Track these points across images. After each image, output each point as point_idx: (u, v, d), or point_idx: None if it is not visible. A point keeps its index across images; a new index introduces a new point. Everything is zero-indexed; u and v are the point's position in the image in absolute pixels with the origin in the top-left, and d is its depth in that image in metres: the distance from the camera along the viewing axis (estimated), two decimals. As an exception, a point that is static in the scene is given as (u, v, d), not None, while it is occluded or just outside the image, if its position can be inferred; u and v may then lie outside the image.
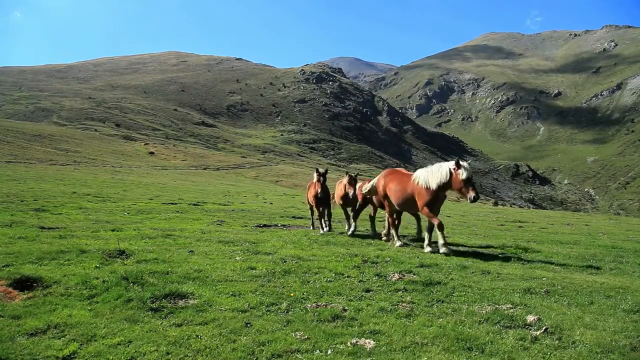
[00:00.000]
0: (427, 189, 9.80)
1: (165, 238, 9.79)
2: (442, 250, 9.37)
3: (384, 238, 11.62)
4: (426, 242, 9.88)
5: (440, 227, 9.58)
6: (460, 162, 9.37)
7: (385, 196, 11.08)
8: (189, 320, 4.91)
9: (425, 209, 9.84)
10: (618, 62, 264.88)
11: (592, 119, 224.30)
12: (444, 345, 4.34)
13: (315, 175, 12.67)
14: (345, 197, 12.47)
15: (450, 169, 9.50)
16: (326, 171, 12.95)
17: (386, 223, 11.75)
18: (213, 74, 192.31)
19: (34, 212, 13.32)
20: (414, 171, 10.85)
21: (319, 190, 12.30)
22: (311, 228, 13.56)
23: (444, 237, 9.52)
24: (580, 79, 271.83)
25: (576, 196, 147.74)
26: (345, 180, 12.51)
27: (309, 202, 13.79)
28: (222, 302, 5.45)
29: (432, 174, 9.81)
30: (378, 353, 4.22)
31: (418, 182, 10.00)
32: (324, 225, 12.79)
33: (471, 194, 9.11)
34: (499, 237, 13.62)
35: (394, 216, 11.14)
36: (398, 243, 10.68)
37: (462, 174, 9.24)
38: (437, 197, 9.84)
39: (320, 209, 12.67)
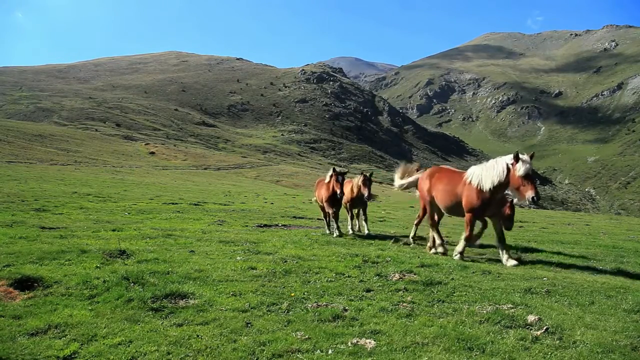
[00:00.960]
0: (480, 190, 8.42)
1: (165, 238, 9.79)
2: (509, 263, 8.21)
3: (431, 251, 9.80)
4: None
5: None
6: (520, 155, 8.01)
7: (431, 199, 9.77)
8: (190, 320, 4.91)
9: (470, 215, 8.61)
10: (619, 62, 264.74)
11: (593, 118, 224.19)
12: (444, 345, 4.34)
13: (329, 174, 11.96)
14: (358, 198, 12.03)
15: (507, 165, 8.11)
16: (346, 173, 12.02)
17: (431, 233, 10.09)
18: (214, 74, 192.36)
19: (34, 212, 13.33)
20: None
21: (338, 192, 11.38)
22: (327, 230, 12.75)
23: (463, 247, 8.71)
24: (581, 79, 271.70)
25: (577, 196, 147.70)
26: (357, 180, 11.95)
27: (319, 203, 13.07)
28: (222, 302, 5.45)
29: (486, 171, 8.40)
30: (379, 353, 4.21)
31: (470, 182, 8.67)
32: (336, 227, 12.04)
33: (529, 193, 7.68)
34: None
35: (436, 219, 9.99)
36: (441, 249, 9.48)
37: (520, 169, 7.86)
38: (489, 200, 8.41)
39: (333, 209, 11.96)
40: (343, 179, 11.54)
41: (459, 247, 8.84)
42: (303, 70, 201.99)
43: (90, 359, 4.09)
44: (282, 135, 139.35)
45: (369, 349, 4.30)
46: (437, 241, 9.68)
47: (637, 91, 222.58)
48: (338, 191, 11.38)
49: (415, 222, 11.36)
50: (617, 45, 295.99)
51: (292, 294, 5.81)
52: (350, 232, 12.76)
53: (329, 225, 12.92)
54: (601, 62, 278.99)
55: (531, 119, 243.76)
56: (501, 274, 7.23)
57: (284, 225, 14.14)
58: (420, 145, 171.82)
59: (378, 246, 10.19)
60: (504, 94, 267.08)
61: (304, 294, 5.87)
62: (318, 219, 17.06)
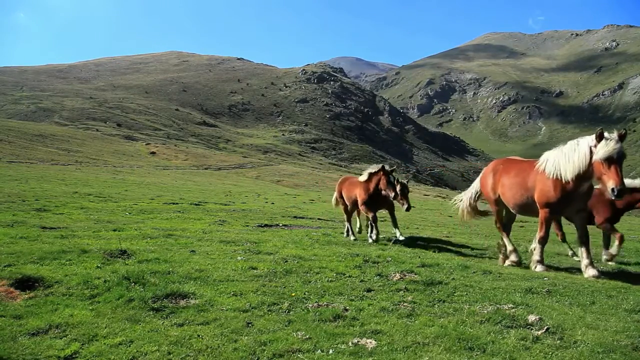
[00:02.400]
0: (556, 180, 6.90)
1: (166, 238, 9.79)
2: (589, 273, 6.97)
3: (506, 262, 8.38)
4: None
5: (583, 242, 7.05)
6: (605, 134, 6.51)
7: (497, 198, 8.32)
8: (191, 320, 4.91)
9: (545, 212, 7.10)
10: (620, 62, 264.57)
11: (594, 118, 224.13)
12: (445, 345, 4.34)
13: (370, 172, 10.65)
14: (381, 198, 10.66)
15: (590, 147, 6.59)
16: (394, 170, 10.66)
17: (501, 240, 8.68)
18: (214, 74, 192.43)
19: (35, 212, 13.34)
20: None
21: (392, 194, 10.04)
22: (349, 236, 11.64)
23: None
24: (582, 79, 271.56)
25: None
26: (378, 178, 10.52)
27: (350, 204, 11.72)
28: (223, 301, 5.45)
29: (564, 157, 6.84)
30: (379, 353, 4.21)
31: (544, 170, 7.12)
32: (376, 232, 10.94)
33: (610, 183, 6.18)
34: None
35: (503, 222, 8.59)
36: (514, 258, 8.18)
37: (599, 151, 6.40)
38: (570, 193, 6.88)
39: (373, 213, 10.79)
40: (394, 179, 10.24)
41: (536, 255, 7.41)
42: (304, 70, 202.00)
43: (91, 358, 4.09)
44: (283, 135, 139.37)
45: (369, 348, 4.30)
46: (509, 248, 8.39)
47: (637, 91, 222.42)
48: (391, 194, 9.95)
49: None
50: (618, 45, 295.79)
51: (293, 294, 5.81)
52: (352, 237, 11.79)
53: (351, 231, 11.80)
54: (602, 61, 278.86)
55: (532, 119, 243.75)
56: (502, 274, 7.23)
57: (285, 225, 14.14)
58: (420, 145, 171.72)
59: (378, 246, 10.18)
60: (505, 93, 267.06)
61: (304, 293, 5.87)
62: (319, 219, 17.06)
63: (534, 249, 7.64)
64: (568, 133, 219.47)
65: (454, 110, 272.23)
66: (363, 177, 10.86)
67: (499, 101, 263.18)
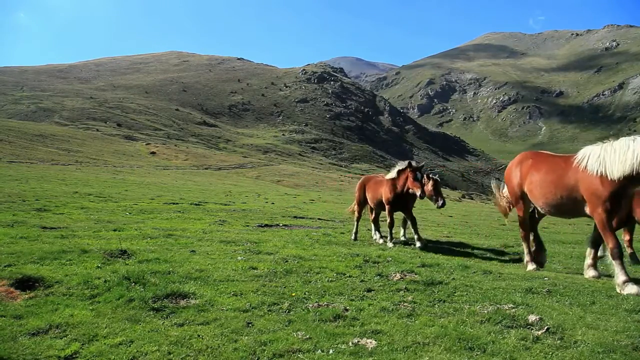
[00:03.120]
0: (604, 178, 6.24)
1: (166, 238, 9.79)
2: (627, 290, 6.00)
3: (529, 267, 7.87)
4: (589, 261, 6.82)
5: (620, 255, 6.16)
6: None
7: (522, 195, 7.70)
8: (191, 320, 4.91)
9: (601, 213, 6.30)
10: (620, 62, 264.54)
11: (594, 118, 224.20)
12: (445, 345, 4.34)
13: (398, 169, 10.06)
14: (409, 197, 10.17)
15: None
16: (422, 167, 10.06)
17: (524, 244, 8.08)
18: (214, 74, 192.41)
19: (35, 212, 13.34)
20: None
21: (418, 192, 9.48)
22: (377, 238, 11.21)
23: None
24: (582, 79, 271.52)
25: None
26: (406, 176, 9.89)
27: (371, 205, 11.29)
28: (223, 301, 5.46)
29: (613, 154, 6.26)
30: (379, 353, 4.21)
31: (586, 168, 6.54)
32: (404, 233, 10.71)
33: None
34: (500, 236, 13.63)
35: (528, 223, 7.95)
36: (531, 267, 7.73)
37: None
38: (620, 194, 6.27)
39: (393, 215, 10.38)
40: (422, 177, 9.72)
41: (621, 275, 6.17)
42: (304, 70, 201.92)
43: (91, 358, 4.09)
44: (283, 135, 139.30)
45: (369, 348, 4.30)
46: (531, 249, 7.93)
47: (638, 91, 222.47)
48: (417, 192, 9.40)
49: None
50: (618, 45, 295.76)
51: (293, 294, 5.81)
52: (380, 240, 11.20)
53: (379, 232, 11.40)
54: (602, 61, 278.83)
55: (532, 119, 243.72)
56: (502, 274, 7.23)
57: (285, 225, 14.13)
58: (421, 145, 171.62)
59: (379, 246, 10.18)
60: (505, 93, 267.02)
61: (305, 293, 5.87)
62: (319, 219, 17.05)
63: (611, 265, 6.38)
64: (568, 133, 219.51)
65: (454, 110, 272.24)
66: (390, 175, 10.36)
67: (499, 101, 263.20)
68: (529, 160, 7.64)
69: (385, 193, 10.37)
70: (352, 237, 11.34)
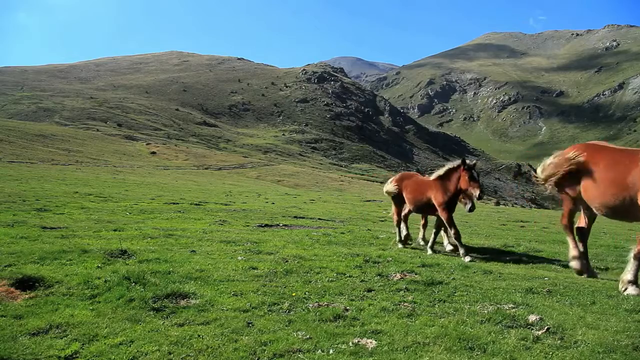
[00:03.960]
0: None
1: (167, 238, 9.79)
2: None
3: (572, 264, 7.40)
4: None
5: None
6: None
7: (577, 194, 6.89)
8: (191, 320, 4.92)
9: None
10: (620, 62, 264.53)
11: (595, 118, 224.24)
12: (445, 345, 4.34)
13: (450, 168, 9.18)
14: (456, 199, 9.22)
15: None
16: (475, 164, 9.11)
17: (569, 241, 7.49)
18: (215, 74, 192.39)
19: (36, 212, 13.34)
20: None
21: (476, 193, 8.52)
22: (424, 243, 10.35)
23: None
24: (583, 79, 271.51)
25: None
26: (459, 175, 8.94)
27: (415, 207, 10.10)
28: (223, 301, 5.46)
29: None
30: (380, 353, 4.21)
31: None
32: (450, 242, 9.76)
33: None
34: (500, 237, 13.61)
35: None
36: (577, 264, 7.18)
37: None
38: None
39: (449, 215, 9.22)
40: (478, 175, 8.79)
41: (630, 270, 5.97)
42: (304, 70, 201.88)
43: (92, 358, 4.09)
44: (283, 135, 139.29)
45: (370, 348, 4.29)
46: (577, 251, 7.31)
47: (638, 91, 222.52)
48: (476, 192, 8.49)
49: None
50: (618, 44, 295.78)
51: (294, 294, 5.81)
52: (422, 243, 10.48)
53: (429, 242, 10.06)
54: (603, 61, 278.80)
55: (532, 119, 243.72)
56: (502, 273, 7.23)
57: (285, 225, 14.13)
58: (421, 145, 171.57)
59: (379, 246, 10.18)
60: (505, 93, 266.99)
61: (305, 293, 5.87)
62: (319, 219, 17.04)
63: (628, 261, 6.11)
64: (569, 133, 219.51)
65: (454, 110, 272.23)
66: (439, 174, 9.39)
67: (500, 101, 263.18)
68: (590, 152, 6.80)
69: (437, 195, 9.29)
70: (399, 244, 10.36)
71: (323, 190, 53.10)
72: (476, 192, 8.50)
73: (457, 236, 9.07)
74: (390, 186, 10.72)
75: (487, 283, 6.53)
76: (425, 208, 9.89)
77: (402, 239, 10.52)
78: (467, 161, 8.89)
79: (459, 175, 8.91)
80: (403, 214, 10.76)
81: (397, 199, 10.57)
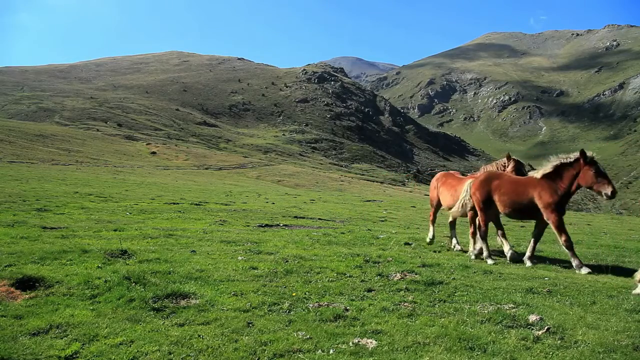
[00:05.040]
0: None
1: (167, 238, 9.79)
2: None
3: None
4: None
5: None
6: None
7: None
8: (191, 320, 4.92)
9: None
10: (620, 62, 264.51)
11: (595, 118, 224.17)
12: (446, 345, 4.34)
13: (562, 161, 8.01)
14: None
15: None
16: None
17: None
18: (215, 74, 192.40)
19: (36, 212, 13.34)
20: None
21: (608, 191, 7.43)
22: (476, 255, 9.20)
23: None
24: (583, 78, 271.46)
25: (578, 195, 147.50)
26: (576, 171, 7.78)
27: (511, 210, 8.67)
28: (224, 301, 5.46)
29: None
30: (380, 353, 4.21)
31: None
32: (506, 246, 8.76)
33: None
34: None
35: None
36: None
37: None
38: None
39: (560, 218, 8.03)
40: (603, 169, 7.60)
41: None
42: (304, 70, 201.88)
43: (92, 358, 4.10)
44: (284, 135, 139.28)
45: (370, 348, 4.30)
46: None
47: (638, 90, 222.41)
48: (607, 190, 7.38)
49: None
50: (618, 44, 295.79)
51: (294, 294, 5.81)
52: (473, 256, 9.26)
53: (484, 251, 8.91)
54: (603, 61, 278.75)
55: (533, 119, 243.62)
56: (502, 273, 7.23)
57: (286, 225, 14.13)
58: (421, 145, 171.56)
59: (379, 246, 10.18)
60: (506, 93, 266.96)
61: (305, 293, 5.87)
62: (319, 219, 17.04)
63: None
64: (569, 133, 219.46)
65: (454, 110, 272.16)
66: (544, 172, 8.15)
67: (500, 101, 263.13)
68: None
69: (544, 195, 8.00)
70: (489, 261, 8.72)
71: (323, 190, 53.10)
72: (608, 190, 7.39)
73: (569, 244, 7.90)
74: (476, 191, 8.97)
75: (487, 283, 6.53)
76: (525, 211, 8.50)
77: (510, 254, 8.80)
78: (588, 153, 7.66)
79: (575, 171, 7.71)
80: (432, 218, 10.70)
81: (487, 204, 8.85)
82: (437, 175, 11.30)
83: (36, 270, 6.19)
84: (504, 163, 9.60)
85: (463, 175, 10.99)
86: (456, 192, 9.89)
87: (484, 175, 9.15)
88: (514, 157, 8.56)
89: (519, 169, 8.54)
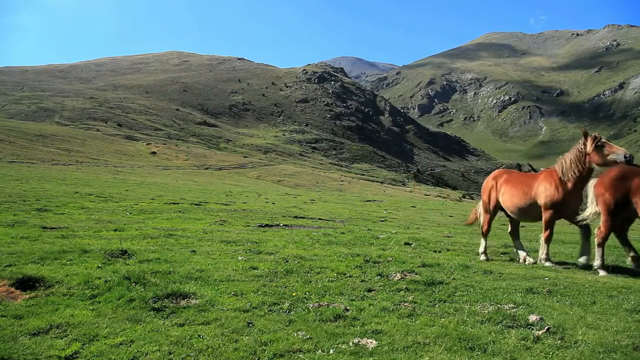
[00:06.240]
0: None
1: (167, 238, 9.79)
2: None
3: None
4: None
5: None
6: None
7: None
8: (191, 320, 4.92)
9: None
10: (620, 61, 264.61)
11: (595, 117, 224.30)
12: (446, 345, 4.34)
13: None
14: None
15: None
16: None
17: None
18: (215, 74, 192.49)
19: (36, 212, 13.34)
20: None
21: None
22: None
23: None
24: (583, 78, 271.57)
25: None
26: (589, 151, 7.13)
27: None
28: (224, 301, 5.46)
29: None
30: (380, 353, 4.21)
31: None
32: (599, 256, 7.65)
33: None
34: (501, 237, 13.61)
35: None
36: None
37: None
38: None
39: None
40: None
41: None
42: (304, 70, 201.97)
43: (92, 358, 4.09)
44: (284, 135, 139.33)
45: (370, 348, 4.29)
46: None
47: (638, 90, 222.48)
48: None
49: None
50: (618, 44, 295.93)
51: (294, 294, 5.81)
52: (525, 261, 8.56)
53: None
54: (603, 61, 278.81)
55: (533, 119, 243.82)
56: (502, 273, 7.22)
57: (286, 225, 14.13)
58: (421, 145, 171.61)
59: (379, 246, 10.17)
60: (506, 93, 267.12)
61: (305, 293, 5.87)
62: (319, 219, 17.04)
63: None
64: (569, 132, 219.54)
65: (454, 110, 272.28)
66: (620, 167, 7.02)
67: (500, 101, 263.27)
68: None
69: (608, 194, 7.24)
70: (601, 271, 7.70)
71: (323, 190, 53.10)
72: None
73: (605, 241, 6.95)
74: (605, 191, 7.54)
75: (487, 283, 6.52)
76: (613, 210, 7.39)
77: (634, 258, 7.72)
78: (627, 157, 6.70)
79: None
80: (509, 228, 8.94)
81: (620, 207, 7.37)
82: (495, 173, 9.45)
83: (36, 270, 6.19)
84: (582, 145, 7.79)
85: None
86: (530, 190, 8.32)
87: (617, 171, 7.39)
88: (593, 133, 6.97)
89: (601, 146, 6.86)
